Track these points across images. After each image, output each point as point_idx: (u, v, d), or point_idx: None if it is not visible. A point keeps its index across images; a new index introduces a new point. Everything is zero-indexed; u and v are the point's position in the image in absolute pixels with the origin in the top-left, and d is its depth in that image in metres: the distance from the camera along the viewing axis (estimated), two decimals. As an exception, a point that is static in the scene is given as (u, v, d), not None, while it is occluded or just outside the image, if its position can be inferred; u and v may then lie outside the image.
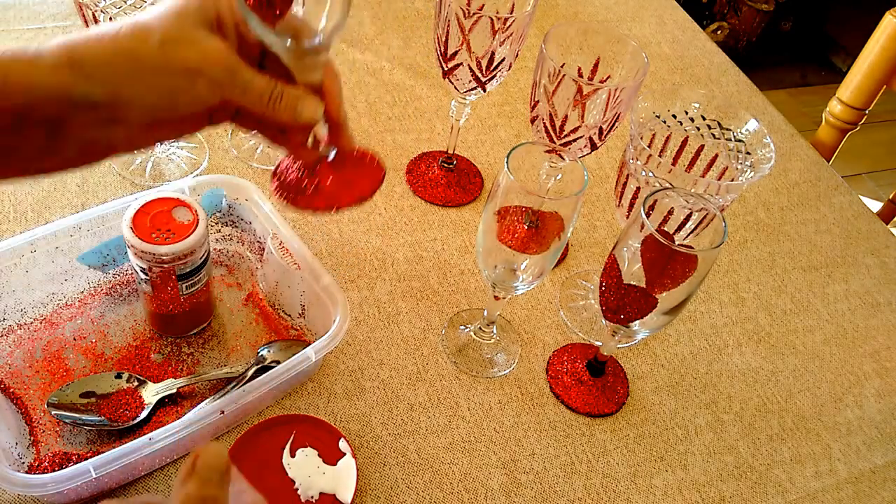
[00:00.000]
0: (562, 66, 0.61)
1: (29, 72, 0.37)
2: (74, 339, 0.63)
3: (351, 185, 0.48)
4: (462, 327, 0.70)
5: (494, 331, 0.69)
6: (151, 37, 0.38)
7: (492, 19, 0.64)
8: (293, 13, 0.43)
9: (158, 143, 0.43)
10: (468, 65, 0.69)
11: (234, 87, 0.41)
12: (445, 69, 0.70)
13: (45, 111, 0.37)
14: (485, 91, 0.72)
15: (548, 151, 0.59)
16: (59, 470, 0.51)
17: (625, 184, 0.63)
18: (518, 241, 0.57)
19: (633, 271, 0.55)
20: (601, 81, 0.68)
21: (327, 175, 0.48)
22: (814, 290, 0.82)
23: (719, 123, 0.64)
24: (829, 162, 1.02)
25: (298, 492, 0.56)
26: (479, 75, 0.70)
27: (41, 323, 0.63)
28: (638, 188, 0.62)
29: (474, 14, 0.64)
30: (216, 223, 0.70)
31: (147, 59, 0.38)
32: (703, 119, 0.64)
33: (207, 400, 0.60)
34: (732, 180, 0.63)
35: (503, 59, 0.69)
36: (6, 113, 0.37)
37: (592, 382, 0.68)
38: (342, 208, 0.48)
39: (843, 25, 2.82)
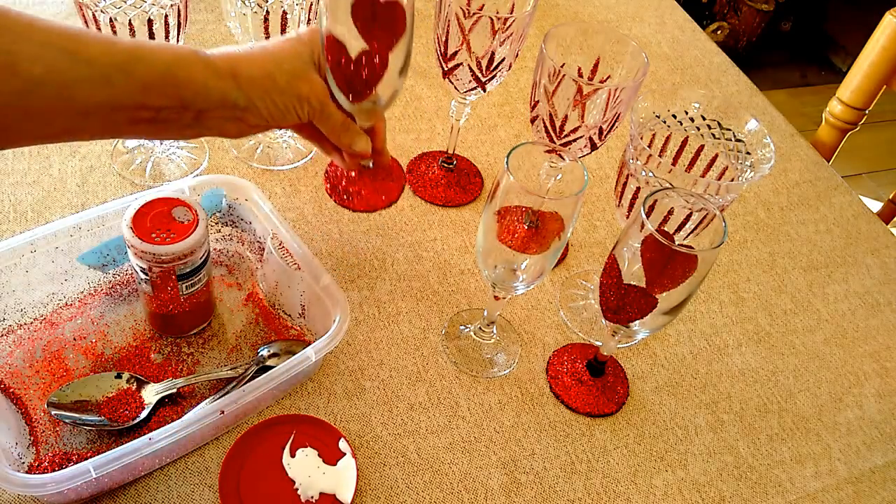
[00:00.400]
0: (562, 66, 0.61)
1: (205, 73, 0.51)
2: (74, 339, 0.63)
3: (384, 192, 0.71)
4: (462, 327, 0.70)
5: (494, 331, 0.70)
6: (283, 66, 0.54)
7: (492, 19, 0.64)
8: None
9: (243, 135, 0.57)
10: (468, 65, 0.69)
11: (322, 115, 0.58)
12: (445, 69, 0.70)
13: (203, 103, 0.51)
14: (485, 91, 0.72)
15: (548, 151, 0.59)
16: (59, 470, 0.51)
17: (625, 184, 0.63)
18: (518, 241, 0.57)
19: (633, 271, 0.55)
20: (601, 81, 0.68)
21: (367, 184, 0.71)
22: (814, 290, 0.82)
23: (719, 123, 0.64)
24: (829, 162, 1.02)
25: (298, 492, 0.56)
26: (479, 75, 0.70)
27: (41, 323, 0.63)
28: (638, 188, 0.62)
29: (474, 14, 0.64)
30: (216, 223, 0.70)
31: (279, 84, 0.54)
32: (703, 119, 0.64)
33: (207, 400, 0.60)
34: (732, 180, 0.63)
35: (503, 59, 0.69)
36: (178, 99, 0.50)
37: (592, 382, 0.68)
38: (377, 210, 0.71)
39: (843, 25, 2.82)
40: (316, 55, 0.56)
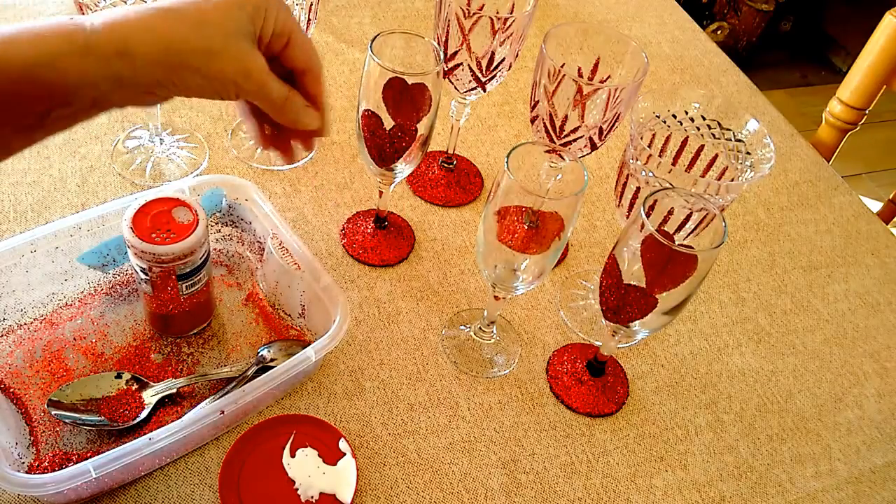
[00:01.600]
0: (562, 66, 0.61)
1: (82, 64, 0.40)
2: (74, 339, 0.63)
3: (396, 248, 0.75)
4: (462, 327, 0.70)
5: (494, 331, 0.69)
6: (196, 39, 0.42)
7: (492, 19, 0.64)
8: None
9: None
10: (468, 65, 0.69)
11: (257, 95, 0.47)
12: (445, 69, 0.70)
13: (91, 93, 0.41)
14: (485, 91, 0.72)
15: (548, 151, 0.59)
16: (59, 470, 0.51)
17: (625, 184, 0.63)
18: (518, 241, 0.57)
19: (633, 271, 0.55)
20: (601, 81, 0.68)
21: (381, 242, 0.75)
22: (814, 290, 0.82)
23: (719, 123, 0.64)
24: (829, 162, 1.02)
25: (298, 492, 0.56)
26: (479, 75, 0.70)
27: (41, 323, 0.63)
28: (638, 188, 0.62)
29: (474, 14, 0.64)
30: (216, 223, 0.70)
31: (190, 63, 0.42)
32: (703, 119, 0.64)
33: (207, 400, 0.60)
34: (732, 180, 0.63)
35: (503, 59, 0.69)
36: (53, 100, 0.40)
37: (592, 382, 0.68)
38: (390, 264, 0.74)
39: (843, 25, 2.82)
40: (259, 25, 0.45)
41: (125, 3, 0.62)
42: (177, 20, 0.42)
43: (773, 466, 0.66)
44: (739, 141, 0.63)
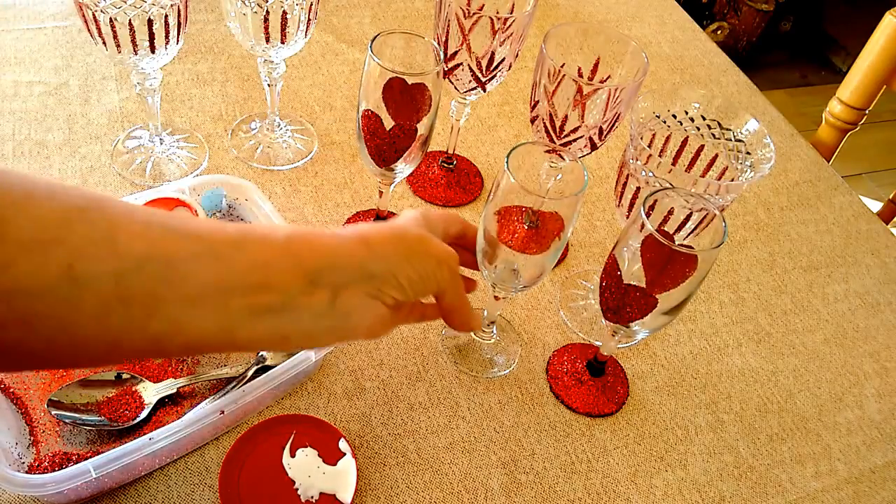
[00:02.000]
0: (562, 66, 0.61)
1: (332, 240, 0.43)
2: (74, 339, 0.63)
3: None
4: None
5: (494, 331, 0.69)
6: (410, 231, 0.48)
7: (492, 19, 0.64)
8: None
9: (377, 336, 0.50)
10: (468, 65, 0.69)
11: (454, 279, 0.50)
12: (445, 69, 0.70)
13: (336, 276, 0.43)
14: (485, 91, 0.72)
15: (548, 151, 0.59)
16: (59, 470, 0.51)
17: (625, 184, 0.63)
18: (518, 241, 0.57)
19: (633, 271, 0.55)
20: (601, 81, 0.68)
21: None
22: (814, 290, 0.82)
23: (719, 123, 0.64)
24: (829, 162, 1.02)
25: (298, 492, 0.56)
26: (479, 75, 0.70)
27: (41, 323, 0.63)
28: (638, 188, 0.62)
29: (474, 14, 0.64)
30: (216, 223, 0.70)
31: (413, 247, 0.47)
32: (703, 119, 0.64)
33: (207, 400, 0.60)
34: (732, 180, 0.63)
35: (503, 59, 0.69)
36: (303, 273, 0.41)
37: (592, 382, 0.68)
38: None
39: (843, 25, 2.82)
40: (438, 230, 0.53)
41: (125, 2, 0.62)
42: (388, 224, 0.48)
43: (773, 466, 0.66)
44: (739, 141, 0.63)
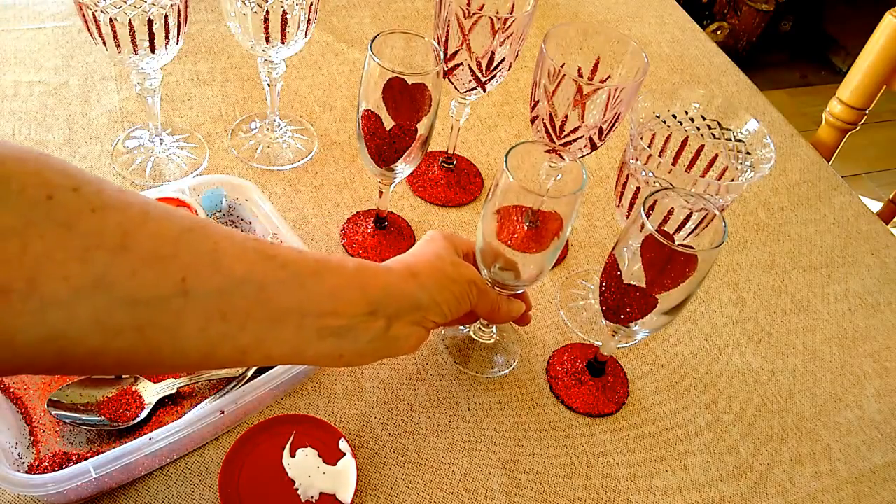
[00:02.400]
0: (562, 66, 0.61)
1: (388, 277, 0.50)
2: (74, 339, 0.63)
3: (396, 248, 0.75)
4: (462, 328, 0.70)
5: (494, 330, 0.69)
6: (445, 258, 0.54)
7: (492, 19, 0.64)
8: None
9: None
10: (468, 65, 0.69)
11: (486, 295, 0.56)
12: (445, 69, 0.70)
13: (392, 307, 0.49)
14: (485, 91, 0.72)
15: (547, 151, 0.59)
16: (59, 470, 0.51)
17: (625, 184, 0.63)
18: (517, 240, 0.57)
19: (633, 271, 0.55)
20: (601, 81, 0.68)
21: (381, 241, 0.76)
22: (814, 290, 0.82)
23: (719, 123, 0.64)
24: (829, 162, 1.02)
25: (298, 492, 0.56)
26: (479, 75, 0.70)
27: (41, 323, 0.63)
28: (638, 188, 0.62)
29: (474, 14, 0.64)
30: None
31: (450, 274, 0.53)
32: (703, 119, 0.64)
33: (207, 400, 0.60)
34: (732, 180, 0.63)
35: (503, 59, 0.69)
36: (366, 304, 0.47)
37: (592, 382, 0.68)
38: None
39: (843, 25, 2.82)
40: (460, 250, 0.58)
41: (125, 2, 0.62)
42: (427, 253, 0.54)
43: (773, 466, 0.66)
44: (739, 141, 0.63)
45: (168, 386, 0.60)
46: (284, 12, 0.68)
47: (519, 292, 0.62)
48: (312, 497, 0.56)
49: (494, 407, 0.66)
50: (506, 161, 0.53)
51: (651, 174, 0.60)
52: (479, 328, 0.69)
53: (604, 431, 0.66)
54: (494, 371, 0.68)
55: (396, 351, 0.52)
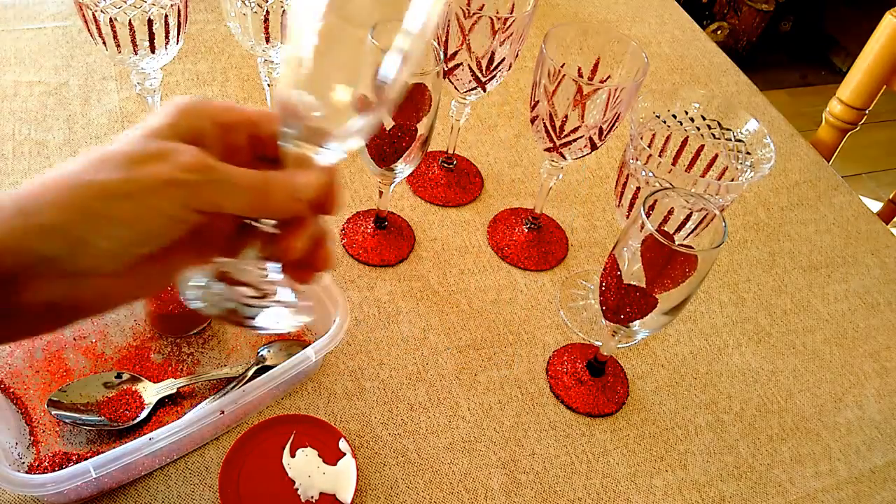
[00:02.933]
0: (562, 66, 0.61)
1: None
2: (74, 339, 0.63)
3: (396, 248, 0.75)
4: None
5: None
6: (112, 160, 0.33)
7: (492, 19, 0.64)
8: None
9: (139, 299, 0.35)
10: (468, 65, 0.69)
11: (212, 185, 0.34)
12: (445, 69, 0.70)
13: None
14: (485, 91, 0.72)
15: (547, 150, 0.59)
16: (59, 470, 0.51)
17: (625, 184, 0.63)
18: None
19: (633, 271, 0.55)
20: (601, 81, 0.68)
21: (381, 242, 0.75)
22: (814, 290, 0.82)
23: (719, 123, 0.64)
24: (829, 162, 1.02)
25: (298, 492, 0.56)
26: (479, 75, 0.70)
27: (41, 323, 0.63)
28: (638, 188, 0.62)
29: (474, 14, 0.64)
30: (216, 223, 0.70)
31: (111, 186, 0.32)
32: (703, 119, 0.64)
33: (207, 400, 0.60)
34: (732, 180, 0.63)
35: (503, 59, 0.69)
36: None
37: (592, 382, 0.68)
38: (390, 265, 0.75)
39: (843, 25, 2.82)
40: (185, 129, 0.36)
41: (125, 2, 0.62)
42: (79, 164, 0.33)
43: (773, 466, 0.66)
44: (739, 141, 0.63)
45: (168, 386, 0.60)
46: (284, 12, 0.68)
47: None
48: (312, 497, 0.56)
49: (494, 407, 0.66)
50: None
51: (651, 174, 0.60)
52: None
53: (604, 431, 0.66)
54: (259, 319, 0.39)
55: (53, 322, 0.35)
